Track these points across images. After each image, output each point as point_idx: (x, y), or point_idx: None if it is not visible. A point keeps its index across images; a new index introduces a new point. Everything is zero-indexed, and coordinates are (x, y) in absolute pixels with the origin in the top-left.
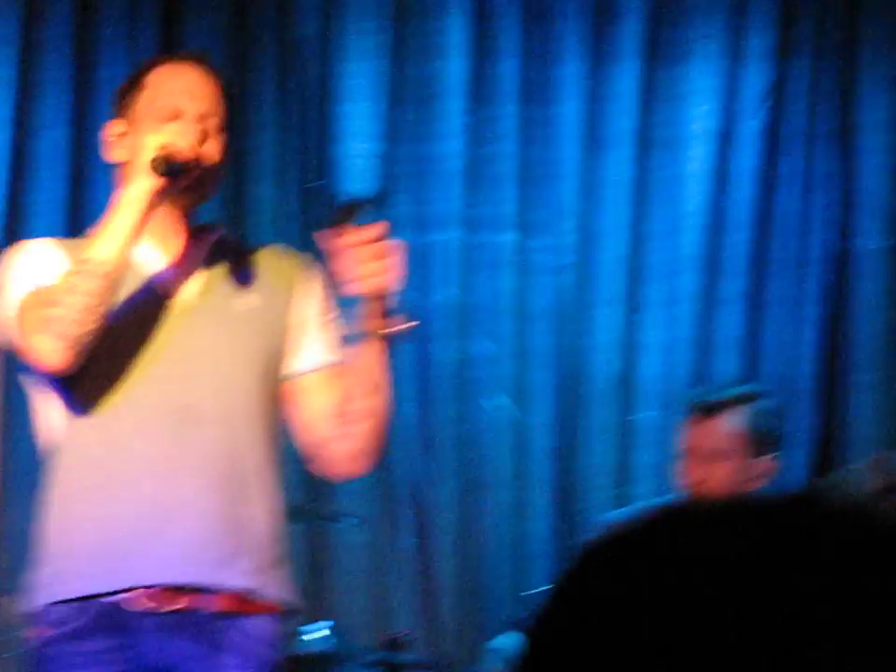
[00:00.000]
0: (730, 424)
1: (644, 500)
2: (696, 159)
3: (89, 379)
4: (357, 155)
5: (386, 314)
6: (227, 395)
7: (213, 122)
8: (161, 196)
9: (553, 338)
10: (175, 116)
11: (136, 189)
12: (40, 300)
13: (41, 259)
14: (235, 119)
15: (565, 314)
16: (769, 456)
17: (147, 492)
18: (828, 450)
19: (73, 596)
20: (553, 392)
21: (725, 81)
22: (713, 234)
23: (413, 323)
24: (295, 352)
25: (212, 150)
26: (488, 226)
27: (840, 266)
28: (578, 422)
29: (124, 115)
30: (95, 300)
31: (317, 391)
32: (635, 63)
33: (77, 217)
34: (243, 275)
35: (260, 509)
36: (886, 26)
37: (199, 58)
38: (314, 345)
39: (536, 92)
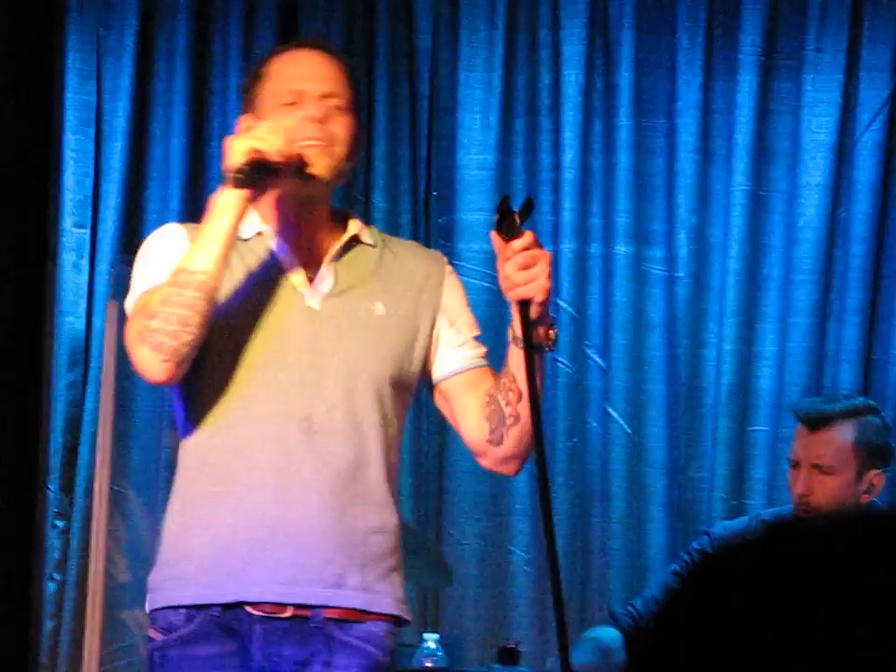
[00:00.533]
0: (837, 438)
1: (753, 511)
2: (812, 171)
3: (211, 381)
4: (470, 166)
5: (535, 322)
6: (347, 406)
7: (335, 102)
8: (254, 199)
9: (667, 350)
10: (297, 99)
11: (226, 198)
12: (143, 308)
13: (167, 249)
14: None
15: (679, 325)
16: (877, 471)
17: (262, 504)
18: None
19: (181, 604)
20: (666, 404)
21: (841, 94)
22: (828, 247)
23: (555, 333)
24: (441, 356)
25: (337, 130)
26: (602, 237)
27: None
28: (692, 434)
29: (250, 109)
30: (189, 311)
31: (466, 393)
32: (751, 75)
33: None
34: (376, 276)
35: (376, 523)
36: None
37: (318, 43)
38: (458, 348)
39: (651, 104)
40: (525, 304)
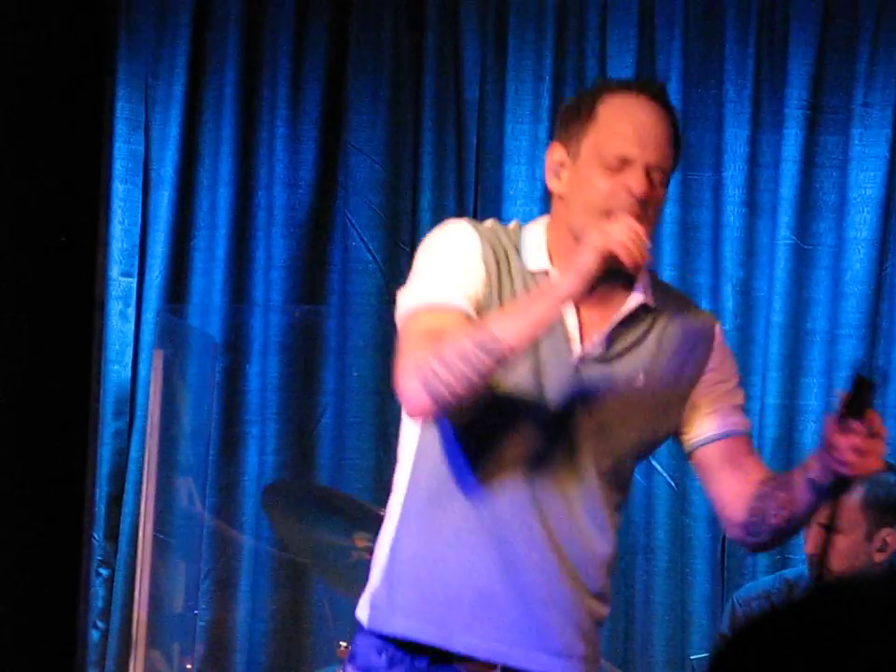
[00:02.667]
0: (847, 499)
1: (773, 573)
2: (858, 225)
3: (475, 420)
4: (516, 217)
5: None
6: (586, 477)
7: (659, 177)
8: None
9: None
10: (622, 166)
11: (564, 289)
12: (428, 335)
13: (459, 255)
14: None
15: None
16: (891, 529)
17: (503, 555)
18: None
19: (392, 634)
20: None
21: (888, 148)
22: (874, 301)
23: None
24: (697, 420)
25: (653, 212)
26: None
27: None
28: None
29: (566, 142)
30: (476, 375)
31: (720, 464)
32: (797, 128)
33: (239, 276)
34: (647, 343)
35: (596, 588)
36: None
37: (656, 92)
38: (714, 416)
39: (697, 156)
40: (844, 480)
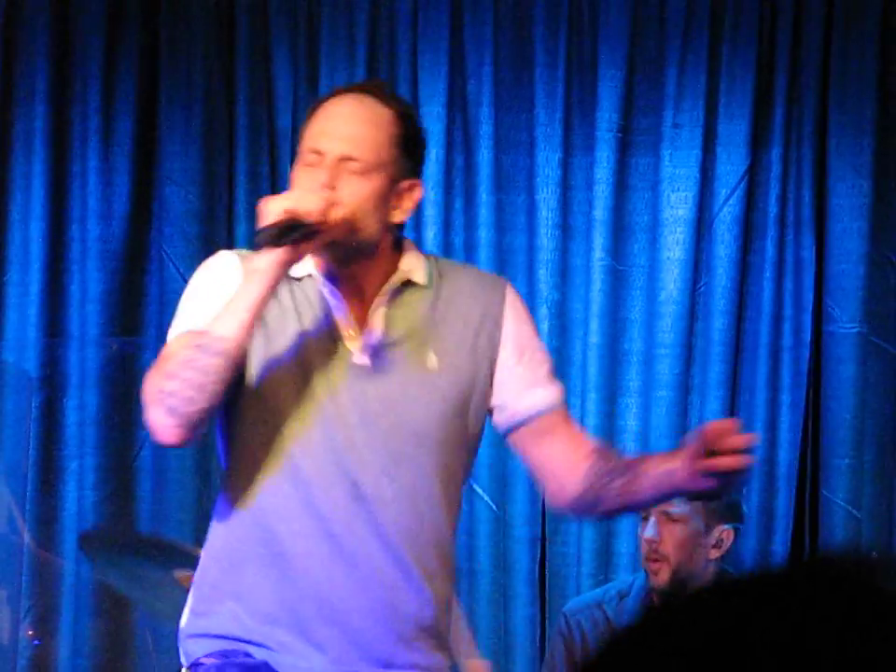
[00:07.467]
0: None
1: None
2: (671, 245)
3: (256, 434)
4: None
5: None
6: (397, 473)
7: (351, 167)
8: (292, 263)
9: None
10: (315, 162)
11: (259, 263)
12: (165, 361)
13: (218, 282)
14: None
15: None
16: (725, 526)
17: (308, 575)
18: (804, 533)
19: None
20: (530, 479)
21: (699, 169)
22: (689, 320)
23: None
24: (510, 398)
25: (346, 194)
26: None
27: (813, 351)
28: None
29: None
30: (209, 377)
31: (547, 438)
32: (608, 150)
33: (54, 310)
34: (429, 323)
35: (426, 595)
36: (853, 116)
37: (363, 87)
38: (530, 391)
39: (511, 180)
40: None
